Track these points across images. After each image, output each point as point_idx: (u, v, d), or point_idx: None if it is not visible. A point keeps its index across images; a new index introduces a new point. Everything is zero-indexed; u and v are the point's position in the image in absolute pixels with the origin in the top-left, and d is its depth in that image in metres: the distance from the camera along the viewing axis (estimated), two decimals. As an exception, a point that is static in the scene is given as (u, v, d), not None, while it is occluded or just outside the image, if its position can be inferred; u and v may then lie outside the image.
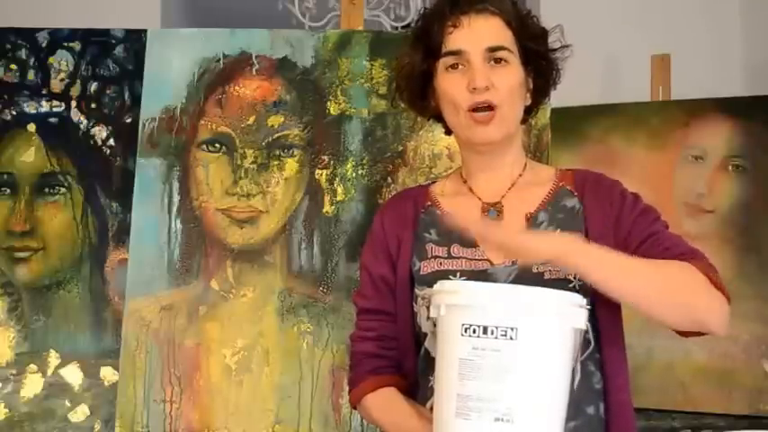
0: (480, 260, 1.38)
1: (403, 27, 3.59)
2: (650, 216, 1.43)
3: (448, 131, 1.49)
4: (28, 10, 2.46)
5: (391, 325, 1.44)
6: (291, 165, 1.90)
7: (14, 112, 1.94)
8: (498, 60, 1.37)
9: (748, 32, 2.91)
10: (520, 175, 1.45)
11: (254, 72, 1.94)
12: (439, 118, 1.48)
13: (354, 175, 1.89)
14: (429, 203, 1.46)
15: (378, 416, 1.42)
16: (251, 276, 1.86)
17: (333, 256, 1.85)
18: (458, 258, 1.39)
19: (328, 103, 1.92)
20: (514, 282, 1.35)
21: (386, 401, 1.42)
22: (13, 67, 1.96)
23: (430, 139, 1.90)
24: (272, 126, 1.92)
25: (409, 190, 1.58)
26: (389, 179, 1.89)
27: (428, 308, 1.35)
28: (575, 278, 1.33)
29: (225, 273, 1.85)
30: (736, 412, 2.26)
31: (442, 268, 1.38)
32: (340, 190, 1.89)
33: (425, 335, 1.40)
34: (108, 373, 1.83)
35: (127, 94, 1.95)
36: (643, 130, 2.48)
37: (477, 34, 1.38)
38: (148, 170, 1.89)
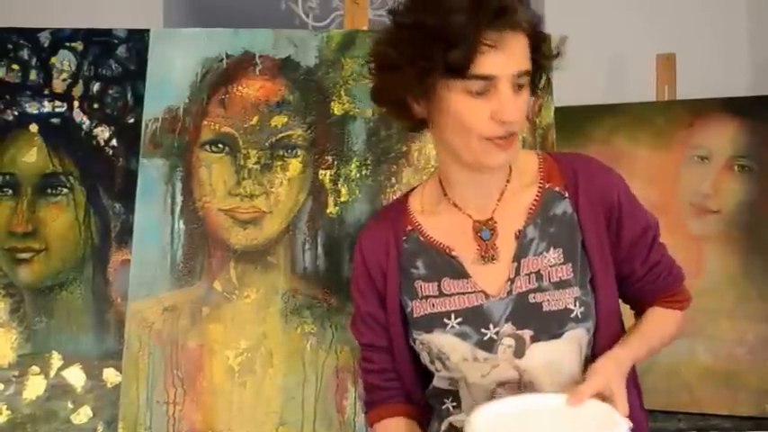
0: (474, 293, 1.32)
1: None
2: (648, 237, 1.38)
3: (414, 129, 1.39)
4: (30, 10, 2.46)
5: (389, 358, 1.42)
6: (295, 165, 1.89)
7: (16, 113, 1.93)
8: (520, 86, 1.25)
9: (754, 32, 2.90)
10: (507, 181, 1.36)
11: (257, 72, 1.93)
12: (418, 123, 1.35)
13: (358, 175, 1.88)
14: (410, 228, 1.38)
15: None
16: (254, 277, 1.85)
17: (336, 257, 1.85)
18: (450, 296, 1.33)
19: (332, 104, 1.92)
20: (512, 313, 1.30)
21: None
22: (15, 67, 1.95)
23: (434, 140, 1.89)
24: (276, 126, 1.91)
25: (386, 211, 1.48)
26: (393, 179, 1.88)
27: (428, 353, 1.35)
28: (575, 306, 1.30)
29: (228, 274, 1.85)
30: (741, 413, 2.26)
31: (435, 310, 1.33)
32: (344, 191, 1.88)
33: (431, 372, 1.38)
34: (110, 375, 1.83)
35: (129, 95, 1.95)
36: (648, 130, 2.48)
37: (510, 57, 1.22)
38: (151, 171, 1.88)
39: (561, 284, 1.31)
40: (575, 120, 2.38)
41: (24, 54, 1.96)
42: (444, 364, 1.33)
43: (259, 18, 2.94)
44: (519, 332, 1.30)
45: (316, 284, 1.84)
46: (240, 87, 1.92)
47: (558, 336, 1.30)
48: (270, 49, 1.94)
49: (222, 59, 1.93)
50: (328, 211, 1.87)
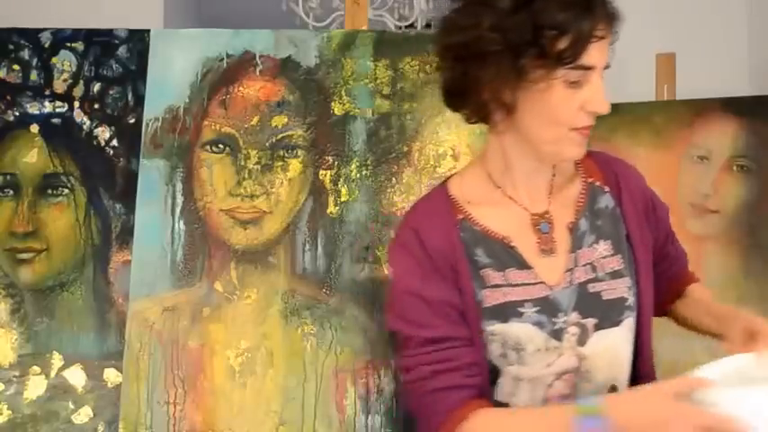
0: (537, 284, 1.32)
1: (407, 27, 3.59)
2: (671, 230, 1.48)
3: (473, 120, 1.36)
4: (30, 10, 2.46)
5: (470, 350, 1.31)
6: (295, 165, 1.90)
7: (17, 113, 1.93)
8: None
9: (754, 32, 2.90)
10: (553, 176, 1.38)
11: (257, 72, 1.93)
12: (481, 116, 1.33)
13: (359, 175, 1.89)
14: (461, 217, 1.36)
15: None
16: (255, 278, 1.85)
17: (337, 257, 1.85)
18: (518, 286, 1.32)
19: (332, 104, 1.92)
20: (577, 303, 1.32)
21: (489, 419, 1.28)
22: (16, 67, 1.95)
23: (435, 140, 1.90)
24: (276, 126, 1.91)
25: (430, 201, 1.42)
26: (394, 180, 1.89)
27: (502, 344, 1.31)
28: (629, 295, 1.34)
29: (229, 274, 1.85)
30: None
31: (508, 299, 1.31)
32: (344, 191, 1.88)
33: (497, 367, 1.34)
34: (111, 375, 1.83)
35: (130, 95, 1.95)
36: (648, 130, 2.48)
37: (606, 48, 1.25)
38: (152, 171, 1.89)
39: (614, 274, 1.35)
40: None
41: (25, 54, 1.96)
42: (520, 355, 1.31)
43: (259, 18, 2.94)
44: (583, 321, 1.32)
45: (316, 285, 1.84)
46: (241, 87, 1.92)
47: (617, 323, 1.33)
48: (270, 49, 1.94)
49: (223, 59, 1.93)
50: (329, 211, 1.87)
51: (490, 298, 1.31)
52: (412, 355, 1.31)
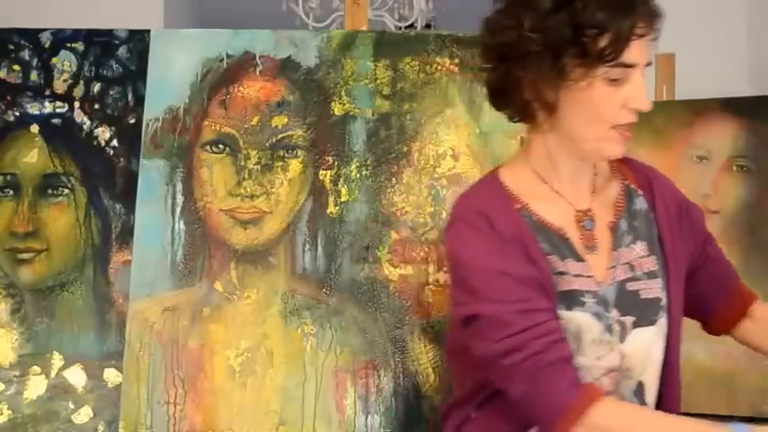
0: (588, 277, 1.33)
1: (407, 27, 3.59)
2: (708, 232, 1.49)
3: (516, 120, 1.37)
4: (31, 11, 2.47)
5: (559, 323, 1.28)
6: (295, 165, 1.90)
7: (17, 113, 1.94)
8: None
9: (753, 32, 2.90)
10: (595, 175, 1.40)
11: (257, 72, 1.93)
12: (525, 115, 1.34)
13: (358, 175, 1.89)
14: (518, 206, 1.35)
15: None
16: (255, 278, 1.85)
17: (337, 257, 1.85)
18: (577, 276, 1.32)
19: (332, 104, 1.92)
20: (617, 300, 1.33)
21: (621, 412, 1.25)
22: (16, 67, 1.96)
23: (434, 140, 1.90)
24: (276, 127, 1.91)
25: (489, 188, 1.40)
26: (394, 180, 1.89)
27: (564, 331, 1.30)
28: (663, 296, 1.36)
29: (229, 274, 1.85)
30: (739, 414, 2.25)
31: (572, 287, 1.31)
32: (344, 191, 1.88)
33: None
34: (111, 375, 1.83)
35: (130, 95, 1.95)
36: (647, 130, 2.47)
37: (647, 47, 1.26)
38: (152, 171, 1.89)
39: (650, 275, 1.37)
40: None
41: (25, 55, 1.96)
42: (579, 344, 1.32)
43: (259, 18, 2.94)
44: (623, 318, 1.34)
45: (316, 285, 1.84)
46: (241, 88, 1.92)
47: (653, 323, 1.35)
48: (270, 49, 1.94)
49: (223, 60, 1.93)
50: (328, 211, 1.88)
51: (561, 284, 1.31)
52: (516, 333, 1.24)
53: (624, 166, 1.44)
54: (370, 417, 1.79)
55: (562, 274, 1.31)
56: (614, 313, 1.34)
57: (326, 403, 1.79)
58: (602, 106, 1.26)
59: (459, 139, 1.89)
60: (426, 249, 1.86)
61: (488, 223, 1.30)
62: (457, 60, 1.93)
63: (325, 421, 1.79)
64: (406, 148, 1.90)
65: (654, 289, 1.35)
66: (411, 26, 3.69)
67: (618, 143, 1.30)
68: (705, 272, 1.48)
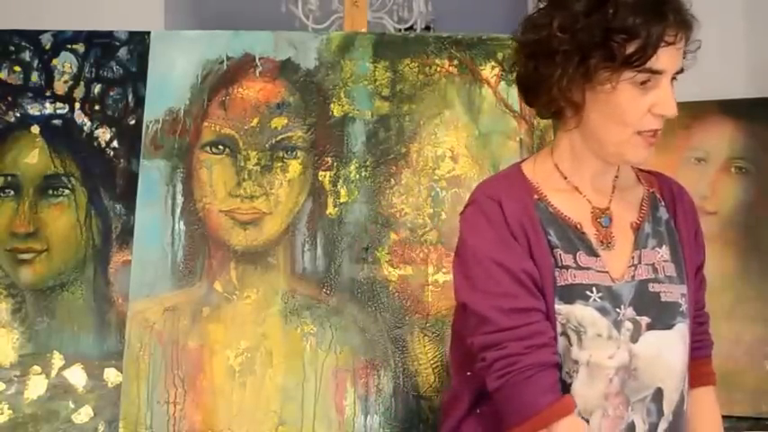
0: (602, 272, 1.34)
1: (406, 29, 3.60)
2: (703, 261, 1.49)
3: (545, 116, 1.40)
4: (31, 12, 2.47)
5: (549, 324, 1.30)
6: (295, 166, 1.90)
7: (18, 114, 1.94)
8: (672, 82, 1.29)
9: (751, 34, 2.90)
10: (616, 177, 1.42)
11: (257, 74, 1.94)
12: (546, 106, 1.35)
13: (358, 176, 1.89)
14: (537, 197, 1.37)
15: None
16: (254, 278, 1.86)
17: (336, 257, 1.86)
18: (586, 270, 1.33)
19: (331, 105, 1.93)
20: (634, 299, 1.34)
21: None
22: (17, 68, 1.96)
23: (433, 141, 1.91)
24: (276, 128, 1.92)
25: (509, 178, 1.42)
26: (393, 181, 1.89)
27: (563, 325, 1.32)
28: (683, 302, 1.37)
29: (228, 274, 1.86)
30: (738, 414, 2.25)
31: (576, 281, 1.33)
32: (343, 192, 1.89)
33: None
34: (111, 375, 1.83)
35: (130, 96, 1.96)
36: (646, 132, 2.48)
37: (677, 54, 1.28)
38: (152, 172, 1.89)
39: (672, 279, 1.38)
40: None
41: (26, 56, 1.97)
42: (580, 338, 1.32)
43: (259, 20, 2.94)
44: (638, 318, 1.34)
45: (315, 285, 1.85)
46: (240, 89, 1.93)
47: (669, 327, 1.36)
48: (270, 51, 1.95)
49: (223, 61, 1.94)
50: (328, 212, 1.88)
51: (560, 278, 1.32)
52: (497, 331, 1.27)
53: (652, 176, 1.47)
54: (369, 417, 1.79)
55: (566, 267, 1.33)
56: (629, 311, 1.34)
57: (326, 403, 1.80)
58: (627, 110, 1.27)
59: (458, 140, 1.90)
60: (425, 250, 1.86)
61: (500, 211, 1.33)
62: (456, 62, 1.94)
63: (324, 421, 1.79)
64: (405, 150, 1.91)
65: (675, 293, 1.36)
66: (410, 28, 3.69)
67: (642, 148, 1.31)
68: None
